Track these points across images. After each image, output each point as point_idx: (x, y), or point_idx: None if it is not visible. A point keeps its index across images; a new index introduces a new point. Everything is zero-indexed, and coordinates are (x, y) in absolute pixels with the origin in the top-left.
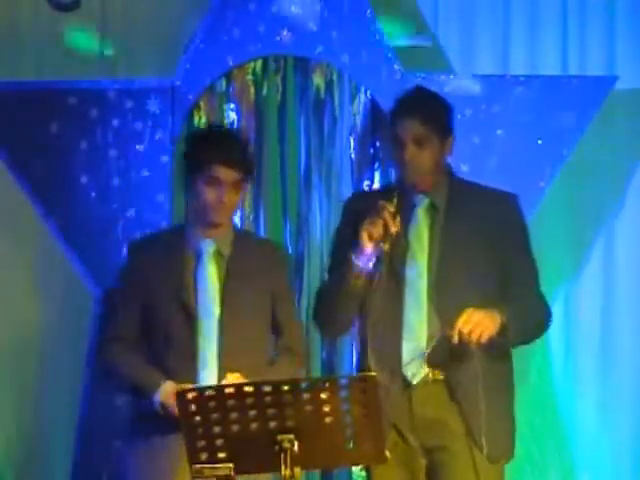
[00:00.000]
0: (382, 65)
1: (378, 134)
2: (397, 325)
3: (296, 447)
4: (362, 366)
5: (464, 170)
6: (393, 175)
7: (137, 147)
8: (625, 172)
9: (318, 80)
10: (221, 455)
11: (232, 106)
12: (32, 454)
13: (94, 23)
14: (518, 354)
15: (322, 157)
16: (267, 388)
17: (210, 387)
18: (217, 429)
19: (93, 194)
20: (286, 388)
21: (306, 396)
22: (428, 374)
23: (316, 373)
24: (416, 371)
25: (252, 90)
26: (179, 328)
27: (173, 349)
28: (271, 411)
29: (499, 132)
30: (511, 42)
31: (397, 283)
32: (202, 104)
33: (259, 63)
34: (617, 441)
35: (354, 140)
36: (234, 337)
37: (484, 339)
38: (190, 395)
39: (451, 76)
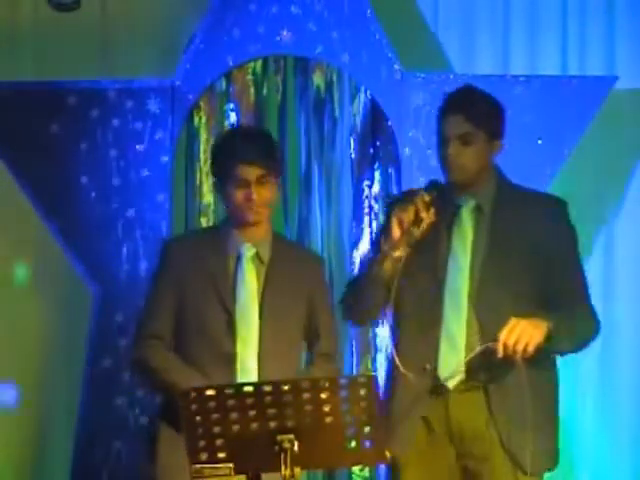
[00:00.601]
0: (382, 65)
1: (378, 134)
2: (435, 327)
3: (296, 447)
4: (391, 362)
5: None
6: (393, 175)
7: (137, 147)
8: (625, 172)
9: (318, 80)
10: (221, 455)
11: (232, 106)
12: (32, 454)
13: (94, 23)
14: None
15: (322, 157)
16: (267, 388)
17: (210, 387)
18: (217, 429)
19: (93, 194)
20: (286, 388)
21: (306, 396)
22: (466, 380)
23: None
24: (452, 376)
25: (252, 90)
26: (218, 330)
27: (210, 351)
28: (271, 411)
29: None
30: (511, 42)
31: (438, 285)
32: (202, 104)
33: (259, 63)
34: (617, 441)
35: (354, 140)
36: (272, 342)
37: (530, 349)
38: (191, 395)
39: (451, 76)
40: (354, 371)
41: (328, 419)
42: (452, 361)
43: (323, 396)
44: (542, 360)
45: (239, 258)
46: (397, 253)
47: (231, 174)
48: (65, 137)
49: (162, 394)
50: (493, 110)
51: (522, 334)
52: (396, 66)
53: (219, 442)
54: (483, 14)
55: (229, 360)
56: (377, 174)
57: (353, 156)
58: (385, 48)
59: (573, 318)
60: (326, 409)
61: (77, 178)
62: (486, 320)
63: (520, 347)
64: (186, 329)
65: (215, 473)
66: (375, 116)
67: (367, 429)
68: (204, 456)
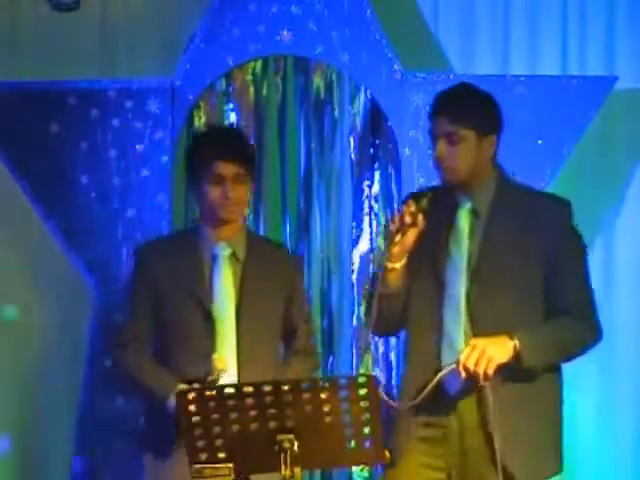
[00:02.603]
0: (382, 65)
1: (378, 134)
2: (436, 330)
3: (296, 447)
4: (404, 367)
5: None
6: (393, 175)
7: (137, 147)
8: (625, 172)
9: (318, 80)
10: (221, 455)
11: (232, 106)
12: (32, 453)
13: (94, 23)
14: None
15: (322, 157)
16: (267, 388)
17: (210, 387)
18: (217, 429)
19: (93, 194)
20: (286, 388)
21: (306, 396)
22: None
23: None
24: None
25: (252, 90)
26: (196, 330)
27: (189, 351)
28: (271, 411)
29: None
30: (511, 42)
31: (437, 287)
32: (202, 104)
33: (259, 63)
34: (617, 442)
35: (354, 140)
36: (251, 340)
37: (491, 369)
38: (190, 395)
39: (451, 76)
40: (354, 371)
41: (328, 419)
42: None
43: (323, 396)
44: (521, 376)
45: (214, 257)
46: (396, 265)
47: (207, 171)
48: (65, 137)
49: (140, 398)
50: (482, 106)
51: (481, 356)
52: (396, 66)
53: (219, 442)
54: (483, 14)
55: (207, 360)
56: (377, 174)
57: (353, 156)
58: (385, 48)
59: (557, 330)
60: (326, 409)
61: (77, 178)
62: (480, 327)
63: (480, 369)
64: (165, 331)
65: (215, 473)
66: (375, 116)
67: (367, 429)
68: (204, 456)
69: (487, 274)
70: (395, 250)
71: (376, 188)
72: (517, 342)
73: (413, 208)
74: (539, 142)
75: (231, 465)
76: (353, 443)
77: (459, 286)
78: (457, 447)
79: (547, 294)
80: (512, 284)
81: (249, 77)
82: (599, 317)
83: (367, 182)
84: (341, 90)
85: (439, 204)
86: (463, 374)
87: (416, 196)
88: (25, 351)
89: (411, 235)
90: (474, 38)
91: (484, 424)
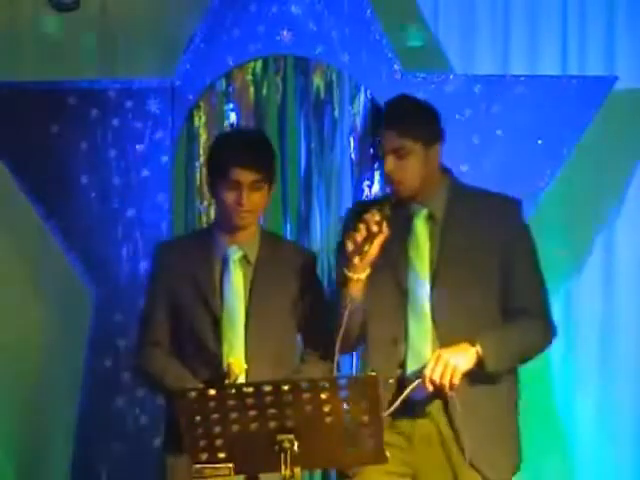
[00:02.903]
0: (382, 65)
1: (378, 134)
2: (400, 340)
3: (296, 447)
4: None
5: (463, 170)
6: None
7: (137, 147)
8: (625, 172)
9: (318, 80)
10: (221, 455)
11: (232, 106)
12: (32, 454)
13: (94, 23)
14: None
15: (322, 157)
16: (267, 388)
17: (210, 387)
18: (217, 429)
19: (93, 194)
20: (286, 388)
21: (306, 396)
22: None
23: None
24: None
25: (252, 90)
26: (205, 333)
27: (199, 354)
28: (271, 411)
29: (499, 132)
30: (511, 42)
31: (400, 296)
32: (202, 104)
33: (259, 63)
34: (617, 442)
35: (354, 140)
36: (259, 343)
37: (456, 381)
38: (190, 395)
39: (451, 76)
40: (354, 371)
41: (328, 419)
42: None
43: (323, 396)
44: (483, 378)
45: (225, 261)
46: (362, 275)
47: (225, 176)
48: (65, 137)
49: (165, 398)
50: (426, 117)
51: (445, 367)
52: (396, 66)
53: (219, 442)
54: (483, 14)
55: (218, 364)
56: (377, 174)
57: (353, 156)
58: (385, 48)
59: (512, 333)
60: (326, 409)
61: (77, 178)
62: (444, 331)
63: (445, 380)
64: (178, 332)
65: (215, 473)
66: (375, 116)
67: (367, 429)
68: (204, 456)
69: (447, 278)
70: (360, 261)
71: (376, 188)
72: (479, 348)
73: (378, 217)
74: (539, 142)
75: (231, 465)
76: (353, 443)
77: (423, 295)
78: (423, 453)
79: (504, 294)
80: (472, 286)
81: (249, 77)
82: (552, 316)
83: (367, 182)
84: (341, 90)
85: (394, 214)
86: (430, 388)
87: (379, 203)
88: (25, 351)
89: (377, 244)
90: (474, 38)
91: (451, 428)
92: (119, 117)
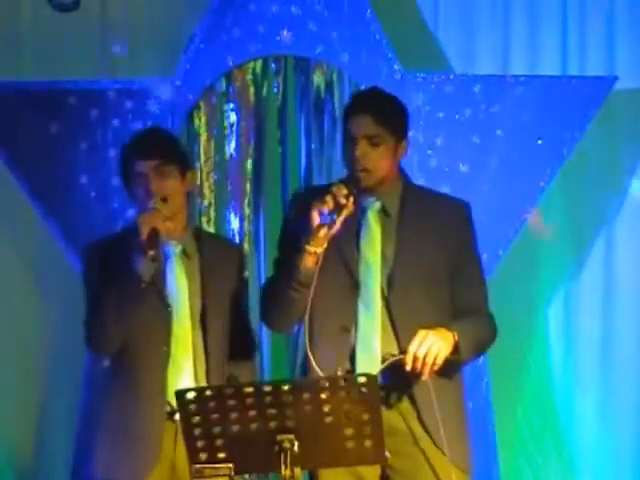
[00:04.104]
0: (382, 65)
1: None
2: (350, 329)
3: (296, 447)
4: (305, 364)
5: (463, 170)
6: None
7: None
8: (625, 172)
9: (318, 80)
10: (221, 455)
11: (232, 106)
12: (33, 454)
13: (94, 23)
14: (518, 354)
15: (322, 157)
16: (267, 388)
17: (210, 387)
18: (217, 429)
19: (93, 194)
20: (286, 388)
21: (306, 396)
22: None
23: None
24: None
25: (252, 90)
26: (156, 330)
27: (150, 350)
28: (271, 411)
29: (499, 132)
30: (511, 42)
31: (351, 288)
32: (202, 104)
33: (259, 63)
34: (617, 441)
35: None
36: (217, 342)
37: (439, 361)
38: (190, 395)
39: (451, 76)
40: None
41: (328, 419)
42: (367, 366)
43: (323, 396)
44: (447, 370)
45: (166, 256)
46: (318, 249)
47: (131, 172)
48: (65, 137)
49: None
50: (399, 111)
51: (432, 346)
52: (396, 66)
53: (219, 442)
54: (483, 14)
55: (165, 359)
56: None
57: None
58: (385, 48)
59: (476, 326)
60: (326, 409)
61: (77, 178)
62: (400, 325)
63: (430, 359)
64: (130, 330)
65: (215, 473)
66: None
67: (367, 429)
68: (204, 456)
69: (403, 274)
70: (323, 232)
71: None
72: (456, 335)
73: (346, 191)
74: (539, 142)
75: (231, 465)
76: (353, 443)
77: (374, 288)
78: (390, 444)
79: (454, 293)
80: (425, 284)
81: (249, 77)
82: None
83: None
84: (341, 90)
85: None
86: (409, 365)
87: (344, 181)
88: (25, 351)
89: (342, 219)
90: (474, 38)
91: (419, 419)
92: (119, 117)
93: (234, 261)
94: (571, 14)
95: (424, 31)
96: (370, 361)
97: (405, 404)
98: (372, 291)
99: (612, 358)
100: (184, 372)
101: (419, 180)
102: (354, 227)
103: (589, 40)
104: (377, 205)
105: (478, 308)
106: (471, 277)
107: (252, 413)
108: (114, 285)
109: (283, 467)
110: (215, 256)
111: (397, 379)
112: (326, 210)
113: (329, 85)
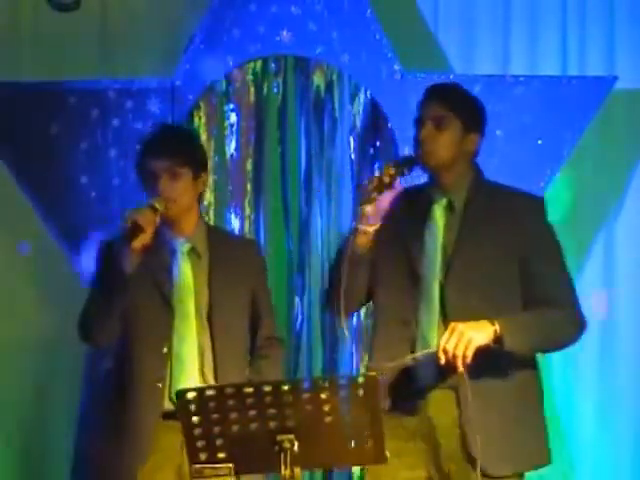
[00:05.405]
0: (382, 65)
1: (378, 134)
2: (408, 322)
3: (296, 447)
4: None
5: None
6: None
7: (137, 147)
8: (625, 172)
9: (318, 80)
10: (221, 455)
11: (232, 106)
12: (32, 454)
13: (94, 23)
14: None
15: (322, 157)
16: (267, 388)
17: (210, 387)
18: (217, 429)
19: (93, 194)
20: (286, 388)
21: (306, 396)
22: (436, 383)
23: (317, 373)
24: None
25: (252, 90)
26: (157, 326)
27: (149, 348)
28: (271, 411)
29: (499, 132)
30: (511, 42)
31: (412, 280)
32: (202, 104)
33: (259, 63)
34: (617, 441)
35: (354, 140)
36: (227, 342)
37: (469, 353)
38: (190, 395)
39: (451, 76)
40: (354, 371)
41: (328, 419)
42: (428, 364)
43: (323, 396)
44: (501, 362)
45: (173, 253)
46: (369, 228)
47: (144, 170)
48: (65, 137)
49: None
50: (471, 101)
51: (461, 338)
52: (396, 66)
53: (219, 442)
54: (483, 14)
55: (160, 356)
56: (377, 174)
57: (353, 156)
58: (385, 48)
59: (534, 317)
60: (326, 409)
61: (77, 178)
62: (456, 320)
63: (459, 352)
64: (129, 329)
65: (215, 473)
66: (375, 116)
67: (367, 429)
68: (204, 456)
69: (462, 270)
70: (369, 210)
71: None
72: (497, 327)
73: (392, 171)
74: (539, 142)
75: (231, 465)
76: (353, 443)
77: (433, 282)
78: (432, 445)
79: (525, 292)
80: (487, 280)
81: (249, 77)
82: (582, 310)
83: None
84: (341, 90)
85: (414, 199)
86: (442, 358)
87: (398, 162)
88: (25, 351)
89: (387, 197)
90: (474, 38)
91: (460, 422)
92: (119, 117)
93: (248, 260)
94: (571, 14)
95: (424, 31)
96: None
97: (449, 416)
98: (432, 286)
99: (612, 358)
100: (190, 372)
101: (419, 180)
102: (420, 221)
103: (589, 40)
104: (443, 200)
105: (551, 302)
106: (546, 275)
107: (252, 413)
108: (102, 278)
109: (283, 467)
110: (227, 256)
111: (441, 378)
112: (370, 187)
113: (329, 85)
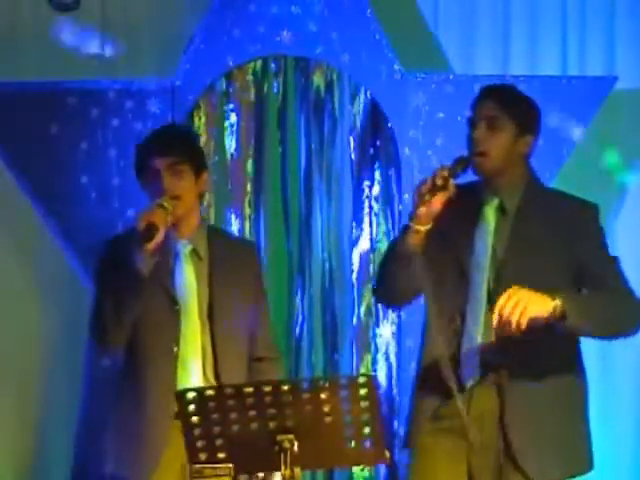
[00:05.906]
0: (382, 65)
1: (378, 134)
2: (457, 321)
3: (296, 447)
4: (423, 357)
5: None
6: (393, 175)
7: (136, 147)
8: (625, 172)
9: (318, 80)
10: (221, 455)
11: (232, 106)
12: (32, 455)
13: (94, 23)
14: None
15: (322, 157)
16: (267, 388)
17: (210, 387)
18: (217, 429)
19: (93, 194)
20: (286, 388)
21: (306, 396)
22: (478, 380)
23: (317, 373)
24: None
25: (252, 90)
26: (164, 328)
27: (161, 351)
28: (271, 411)
29: None
30: (511, 42)
31: (461, 281)
32: (202, 104)
33: (259, 63)
34: (617, 441)
35: (354, 140)
36: (228, 343)
37: (524, 320)
38: (190, 395)
39: (451, 76)
40: (354, 371)
41: (328, 419)
42: (471, 361)
43: (323, 396)
44: (565, 362)
45: (176, 255)
46: (421, 227)
47: (145, 169)
48: (65, 137)
49: None
50: (527, 105)
51: (518, 302)
52: (396, 66)
53: (219, 442)
54: (483, 14)
55: (174, 359)
56: (377, 174)
57: (353, 156)
58: (385, 48)
59: (596, 297)
60: (326, 409)
61: (77, 178)
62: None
63: (514, 317)
64: (139, 328)
65: (215, 473)
66: (375, 116)
67: (367, 429)
68: (204, 456)
69: (512, 273)
70: (422, 210)
71: (376, 188)
72: (559, 301)
73: (446, 172)
74: (539, 142)
75: (231, 465)
76: (353, 443)
77: (482, 283)
78: (474, 438)
79: (581, 288)
80: (537, 284)
81: (249, 77)
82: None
83: (367, 182)
84: (341, 90)
85: (466, 199)
86: (496, 320)
87: (453, 164)
88: (25, 351)
89: (440, 199)
90: (474, 38)
91: (502, 419)
92: (119, 117)
93: (247, 262)
94: (571, 14)
95: (424, 31)
96: (472, 357)
97: (492, 411)
98: (479, 286)
99: (612, 358)
100: (193, 373)
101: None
102: (470, 221)
103: (589, 40)
104: (495, 202)
105: (611, 289)
106: (600, 276)
107: (252, 413)
108: (115, 280)
109: (283, 467)
110: (226, 257)
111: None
112: (423, 189)
113: (329, 85)
